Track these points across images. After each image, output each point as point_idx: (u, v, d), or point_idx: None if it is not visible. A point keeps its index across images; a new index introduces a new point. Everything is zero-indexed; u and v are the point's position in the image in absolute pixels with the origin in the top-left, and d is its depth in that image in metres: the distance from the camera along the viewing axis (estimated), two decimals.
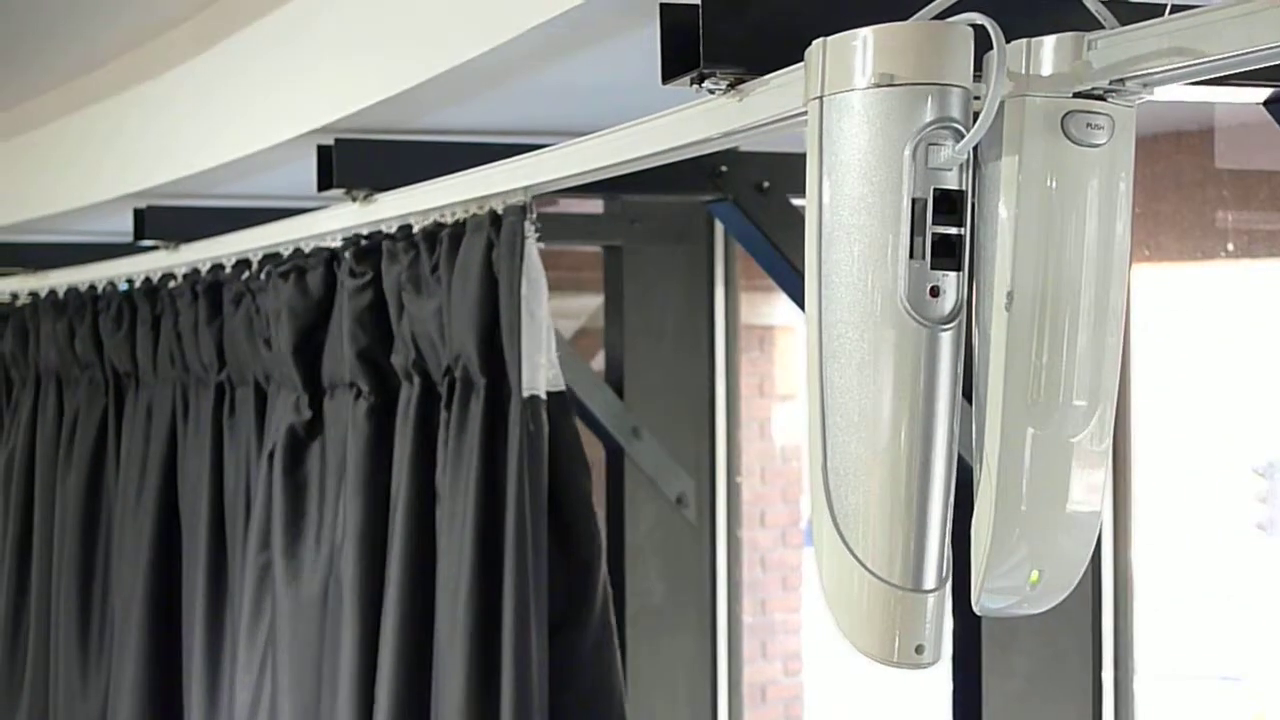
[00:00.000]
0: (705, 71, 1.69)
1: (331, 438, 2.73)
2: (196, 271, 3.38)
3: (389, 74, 2.54)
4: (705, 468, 4.12)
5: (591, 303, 5.24)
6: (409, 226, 2.48)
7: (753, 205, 3.00)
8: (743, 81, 1.70)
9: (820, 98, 1.39)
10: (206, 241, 3.46)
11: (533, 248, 2.24)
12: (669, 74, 1.72)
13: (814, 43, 1.40)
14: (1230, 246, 3.92)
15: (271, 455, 2.80)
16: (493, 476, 2.27)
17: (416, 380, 2.47)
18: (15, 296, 4.44)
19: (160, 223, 3.60)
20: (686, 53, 1.69)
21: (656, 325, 4.04)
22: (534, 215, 2.25)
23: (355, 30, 2.72)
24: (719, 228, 4.07)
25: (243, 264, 3.17)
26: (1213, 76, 1.32)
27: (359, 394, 2.59)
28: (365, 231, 2.72)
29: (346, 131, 2.79)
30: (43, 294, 4.23)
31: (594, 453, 4.42)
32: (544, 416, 2.24)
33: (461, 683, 2.25)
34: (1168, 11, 1.32)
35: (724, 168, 2.99)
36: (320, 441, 2.78)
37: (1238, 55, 1.26)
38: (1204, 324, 4.44)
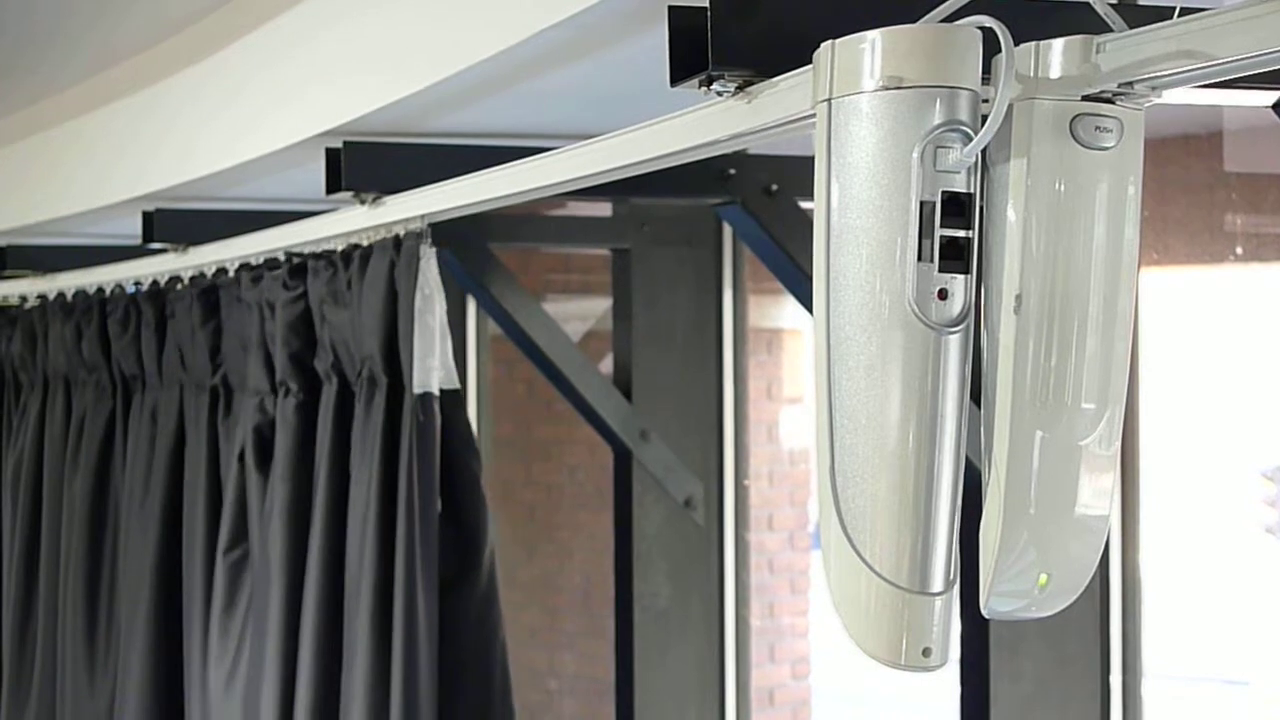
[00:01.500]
0: (713, 74, 1.69)
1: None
2: (202, 275, 3.39)
3: (397, 77, 2.55)
4: (713, 470, 4.12)
5: (600, 305, 5.24)
6: (333, 249, 2.85)
7: (761, 208, 3.01)
8: (751, 84, 1.70)
9: (829, 100, 1.39)
10: (215, 244, 3.46)
11: (428, 266, 2.59)
12: (677, 76, 1.72)
13: (822, 45, 1.40)
14: (1239, 250, 3.92)
15: (242, 455, 3.08)
16: (391, 460, 2.65)
17: (335, 380, 2.84)
18: (24, 299, 4.45)
19: (169, 226, 3.60)
20: (695, 55, 1.69)
21: (665, 328, 4.04)
22: (429, 240, 2.61)
23: (364, 34, 2.72)
24: (727, 231, 4.07)
25: (244, 268, 3.21)
26: (1221, 79, 1.31)
27: (288, 392, 2.95)
28: (375, 234, 2.77)
29: (355, 135, 2.79)
30: (51, 296, 4.24)
31: (602, 455, 4.43)
32: (435, 410, 2.62)
33: (366, 635, 2.62)
34: (1176, 15, 1.32)
35: (732, 171, 2.99)
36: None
37: (1246, 58, 1.26)
38: (1212, 327, 4.44)
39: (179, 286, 3.50)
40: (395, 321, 2.65)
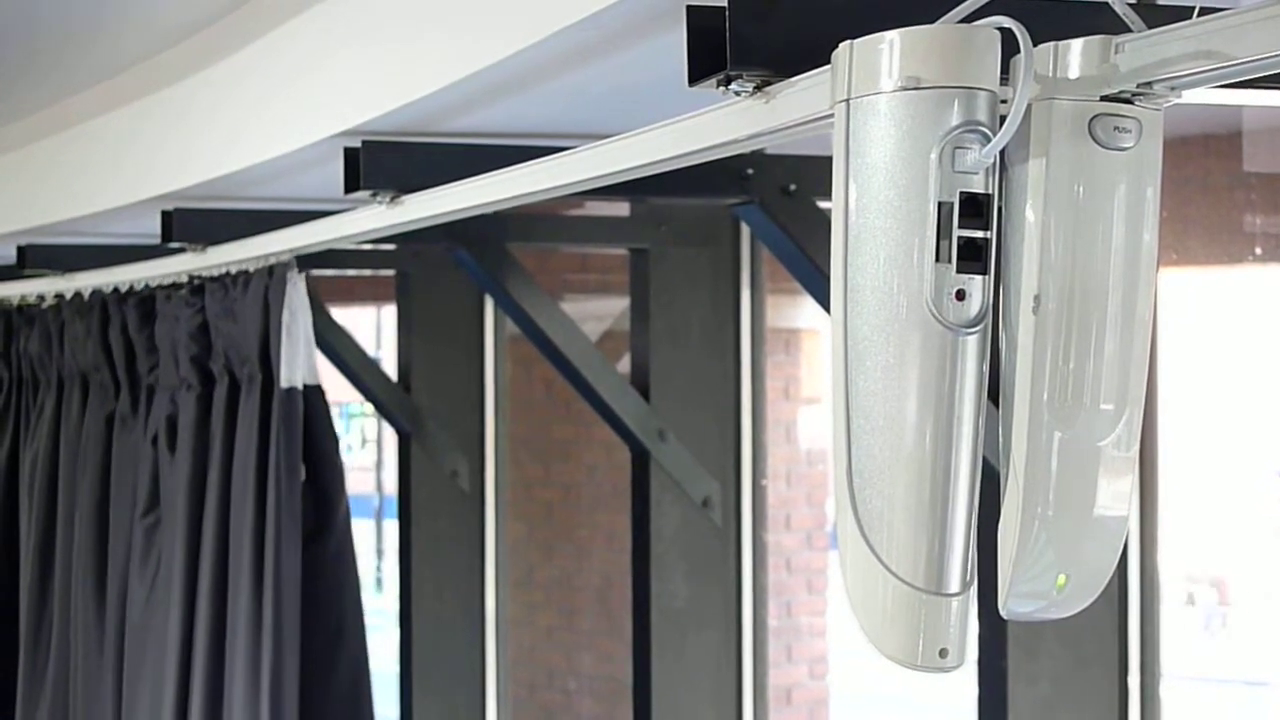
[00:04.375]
0: (732, 74, 1.68)
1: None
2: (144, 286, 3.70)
3: (416, 76, 2.55)
4: (731, 470, 4.12)
5: (618, 305, 5.24)
6: (228, 272, 3.50)
7: (779, 208, 3.00)
8: (769, 84, 1.69)
9: (847, 100, 1.39)
10: (233, 244, 3.47)
11: (294, 289, 3.25)
12: (695, 76, 1.72)
13: (841, 45, 1.40)
14: (1258, 250, 3.91)
15: (155, 440, 3.70)
16: (264, 440, 3.32)
17: (226, 378, 3.49)
18: (42, 298, 4.46)
19: (188, 225, 3.61)
20: (713, 55, 1.68)
21: (682, 328, 4.04)
22: (295, 269, 3.26)
23: (383, 32, 2.72)
24: (745, 230, 4.07)
25: (164, 288, 3.71)
26: (1241, 79, 1.31)
27: (189, 387, 3.59)
28: (386, 234, 2.84)
29: (374, 134, 2.79)
30: (68, 296, 4.25)
31: (620, 455, 4.43)
32: (299, 401, 3.27)
33: (247, 573, 3.28)
34: (1195, 14, 1.32)
35: (750, 170, 2.99)
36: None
37: (1266, 58, 1.26)
38: (1232, 328, 4.43)
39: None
40: (268, 331, 3.31)
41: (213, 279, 3.52)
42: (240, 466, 3.37)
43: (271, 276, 3.29)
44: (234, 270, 3.45)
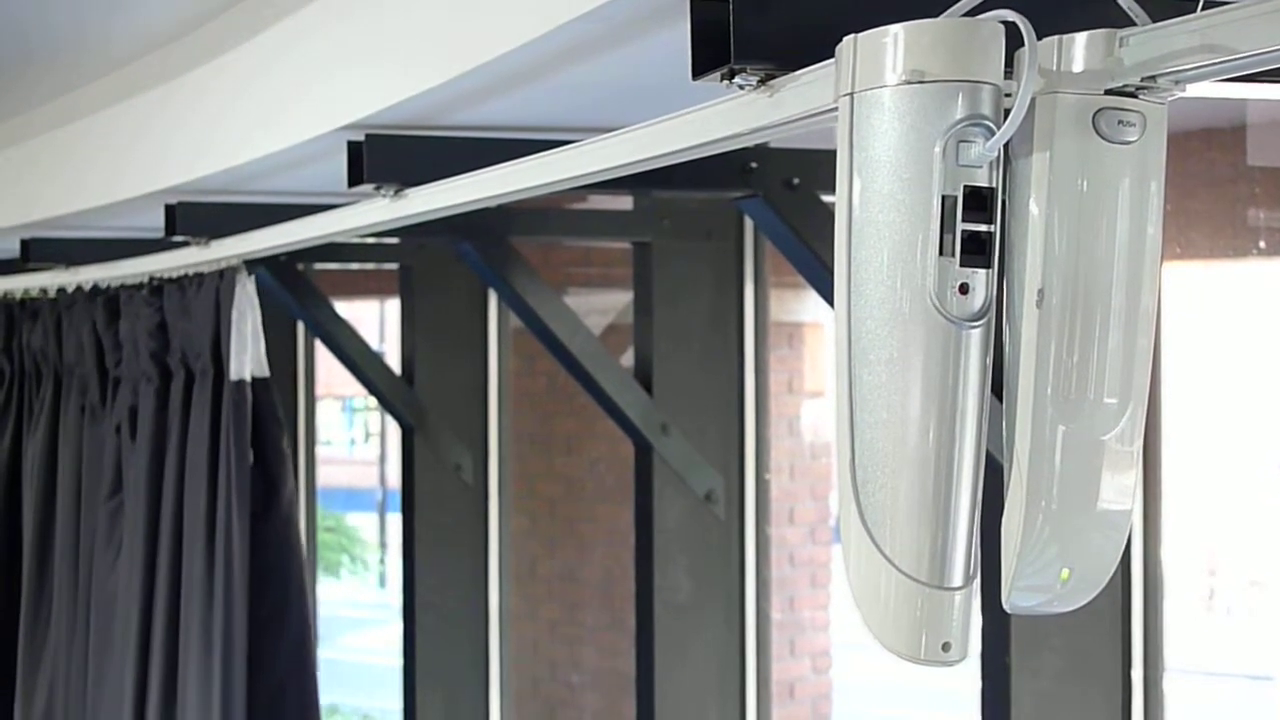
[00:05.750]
0: (736, 67, 1.68)
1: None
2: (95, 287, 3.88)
3: (420, 70, 2.55)
4: (734, 464, 4.12)
5: (621, 299, 5.24)
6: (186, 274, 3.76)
7: (782, 202, 3.00)
8: (773, 77, 1.69)
9: (851, 94, 1.39)
10: (237, 237, 3.47)
11: (243, 290, 3.50)
12: (699, 70, 1.72)
13: (845, 39, 1.40)
14: (1262, 244, 3.91)
15: (119, 429, 3.97)
16: (216, 427, 3.59)
17: (182, 371, 3.75)
18: (45, 292, 4.47)
19: (191, 219, 3.61)
20: (717, 49, 1.68)
21: (686, 322, 4.04)
22: (244, 272, 3.52)
23: (386, 26, 2.72)
24: (749, 224, 4.07)
25: (127, 288, 3.89)
26: (1245, 73, 1.31)
27: (149, 379, 3.84)
28: (390, 228, 2.88)
29: (377, 127, 2.79)
30: (70, 289, 4.26)
31: (623, 449, 4.43)
32: (247, 392, 3.53)
33: (200, 547, 3.57)
34: (1200, 8, 1.31)
35: (754, 164, 2.99)
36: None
37: (1270, 52, 1.26)
38: (1235, 322, 4.43)
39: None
40: (219, 329, 3.56)
41: (170, 280, 3.80)
42: (194, 452, 3.65)
43: (222, 279, 3.56)
44: (191, 272, 3.70)
